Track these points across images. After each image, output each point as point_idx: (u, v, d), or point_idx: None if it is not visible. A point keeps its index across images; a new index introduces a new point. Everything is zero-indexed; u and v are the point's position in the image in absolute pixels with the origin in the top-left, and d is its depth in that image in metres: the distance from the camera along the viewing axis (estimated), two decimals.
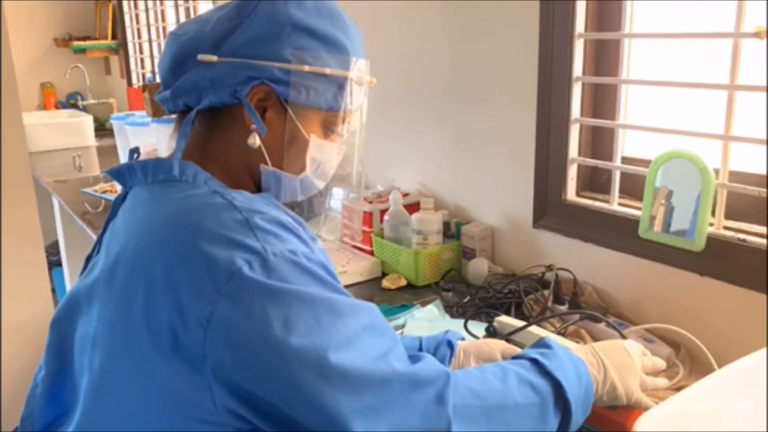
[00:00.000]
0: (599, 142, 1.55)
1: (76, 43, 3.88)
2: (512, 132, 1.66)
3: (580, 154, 1.55)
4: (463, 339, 1.08)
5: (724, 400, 0.87)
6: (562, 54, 1.49)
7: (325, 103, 0.83)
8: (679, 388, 1.14)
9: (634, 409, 0.99)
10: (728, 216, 1.29)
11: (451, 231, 1.82)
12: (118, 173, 0.85)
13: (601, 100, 1.52)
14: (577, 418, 0.83)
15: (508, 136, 1.68)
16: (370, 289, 1.72)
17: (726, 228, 1.29)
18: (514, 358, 0.85)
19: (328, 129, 0.86)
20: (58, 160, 3.17)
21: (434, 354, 1.02)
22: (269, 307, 0.67)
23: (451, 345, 1.03)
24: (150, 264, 0.71)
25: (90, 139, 3.51)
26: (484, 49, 1.70)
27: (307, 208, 0.92)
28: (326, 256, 0.80)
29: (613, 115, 1.47)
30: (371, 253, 1.86)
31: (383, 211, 1.86)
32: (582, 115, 1.52)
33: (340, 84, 0.84)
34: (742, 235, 1.25)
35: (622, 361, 0.89)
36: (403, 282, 1.72)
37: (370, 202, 1.91)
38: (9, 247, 2.07)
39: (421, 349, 1.03)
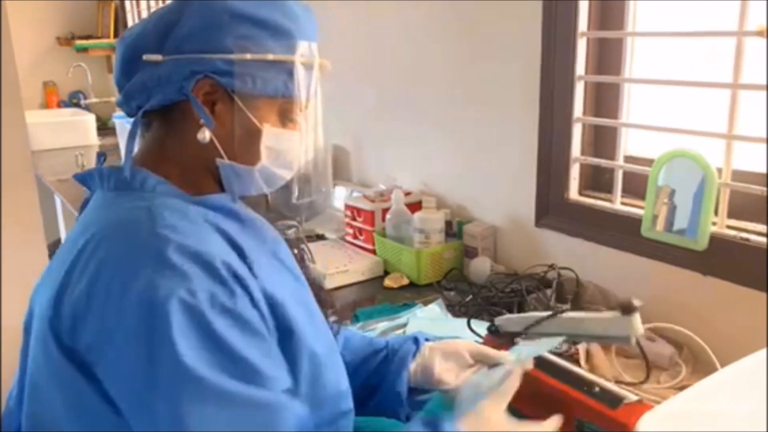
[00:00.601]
0: (602, 141, 1.54)
1: (78, 42, 3.88)
2: (515, 131, 1.66)
3: (582, 153, 1.54)
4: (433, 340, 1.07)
5: (726, 399, 0.87)
6: (565, 53, 1.49)
7: (275, 90, 0.81)
8: (681, 388, 1.14)
9: (636, 407, 0.99)
10: (731, 215, 1.29)
11: (453, 230, 1.82)
12: (82, 179, 0.85)
13: (604, 99, 1.52)
14: None
15: (511, 135, 1.67)
16: (372, 288, 1.72)
17: (729, 227, 1.29)
18: None
19: (285, 117, 0.85)
20: (60, 159, 3.16)
21: (398, 351, 1.02)
22: (140, 352, 0.67)
23: (417, 341, 1.02)
24: (66, 281, 0.72)
25: (92, 137, 3.51)
26: (487, 49, 1.70)
27: (308, 208, 0.92)
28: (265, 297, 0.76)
29: (615, 114, 1.47)
30: (373, 251, 1.86)
31: (385, 210, 1.86)
32: (584, 114, 1.52)
33: (288, 70, 0.82)
34: (744, 234, 1.25)
35: None
36: (405, 281, 1.72)
37: (372, 201, 1.91)
38: (11, 245, 2.08)
39: (387, 346, 1.03)
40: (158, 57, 0.79)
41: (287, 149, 0.85)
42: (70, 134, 3.41)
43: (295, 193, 0.94)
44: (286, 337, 0.79)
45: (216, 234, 0.76)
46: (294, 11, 0.83)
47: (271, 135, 0.82)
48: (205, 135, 0.79)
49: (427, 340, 1.05)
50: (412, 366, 1.00)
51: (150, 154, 0.84)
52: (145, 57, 0.79)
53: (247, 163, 0.83)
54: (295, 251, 0.97)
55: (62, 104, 4.03)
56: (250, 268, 0.77)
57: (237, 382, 0.68)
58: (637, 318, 1.01)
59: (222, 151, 0.81)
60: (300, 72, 0.82)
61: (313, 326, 0.85)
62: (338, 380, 0.88)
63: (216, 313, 0.69)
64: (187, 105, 0.80)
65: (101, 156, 0.81)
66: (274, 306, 0.78)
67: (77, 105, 4.01)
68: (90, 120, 3.55)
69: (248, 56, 0.79)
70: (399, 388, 0.98)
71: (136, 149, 0.84)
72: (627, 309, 1.01)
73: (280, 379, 0.73)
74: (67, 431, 0.73)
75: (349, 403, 0.90)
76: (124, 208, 0.76)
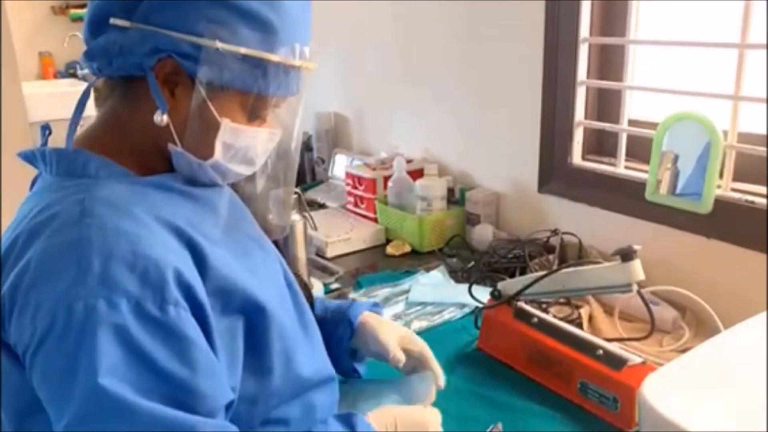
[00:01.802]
0: (606, 104, 1.52)
1: (73, 11, 3.81)
2: (517, 95, 1.63)
3: (586, 117, 1.53)
4: (378, 305, 1.07)
5: (729, 361, 0.86)
6: (569, 15, 1.46)
7: (243, 84, 0.74)
8: (684, 350, 1.14)
9: (640, 369, 0.99)
10: (737, 177, 1.28)
11: (455, 197, 1.81)
12: (27, 159, 0.81)
13: (608, 62, 1.49)
14: None
15: (513, 99, 1.65)
16: (374, 255, 1.72)
17: (734, 190, 1.27)
18: None
19: (253, 113, 0.78)
20: (58, 131, 3.12)
21: (334, 332, 1.00)
22: (58, 364, 0.63)
23: (350, 325, 1.01)
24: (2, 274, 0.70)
25: (90, 108, 3.46)
26: (489, 12, 1.67)
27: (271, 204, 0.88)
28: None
29: (620, 77, 1.45)
30: (375, 219, 1.85)
31: (387, 178, 1.85)
32: (588, 77, 1.50)
33: (263, 66, 0.74)
34: (749, 197, 1.24)
35: None
36: (407, 248, 1.72)
37: (374, 169, 1.89)
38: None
39: (325, 317, 1.02)
40: (125, 23, 0.73)
41: (249, 146, 0.79)
42: (68, 105, 3.34)
43: (254, 193, 0.90)
44: (256, 316, 0.77)
45: (160, 229, 0.71)
46: (283, 4, 0.75)
47: (229, 131, 0.76)
48: (162, 119, 0.73)
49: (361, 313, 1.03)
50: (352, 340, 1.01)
51: (103, 126, 0.80)
52: (111, 20, 0.73)
53: (200, 156, 0.76)
54: (268, 224, 0.94)
55: (59, 75, 3.98)
56: (203, 260, 0.72)
57: (156, 402, 0.63)
58: (637, 264, 1.00)
59: (176, 137, 0.75)
60: (276, 71, 0.75)
61: (280, 299, 0.83)
62: (310, 350, 0.86)
63: (141, 324, 0.64)
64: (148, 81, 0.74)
65: (45, 129, 0.74)
66: (232, 293, 0.74)
67: (74, 75, 3.96)
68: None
69: (218, 44, 0.71)
70: (342, 365, 0.99)
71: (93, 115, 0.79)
72: (626, 256, 1.01)
73: (215, 395, 0.68)
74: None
75: (326, 371, 0.89)
76: (58, 200, 0.71)
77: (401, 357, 0.97)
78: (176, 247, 0.71)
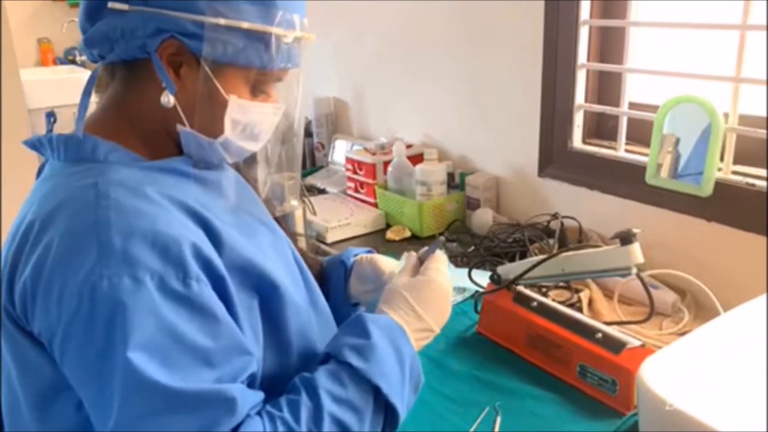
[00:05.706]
0: (606, 87, 1.51)
1: None
2: (517, 79, 1.62)
3: (586, 100, 1.52)
4: (372, 251, 1.08)
5: (728, 344, 0.87)
6: None
7: (247, 59, 0.75)
8: (683, 334, 1.14)
9: (638, 352, 0.99)
10: (737, 160, 1.27)
11: (455, 182, 1.80)
12: (33, 146, 0.81)
13: (609, 45, 1.48)
14: (403, 409, 0.77)
15: (513, 83, 1.64)
16: (374, 241, 1.72)
17: (734, 173, 1.27)
18: (329, 355, 0.76)
19: (256, 88, 0.79)
20: (58, 117, 3.13)
21: (330, 275, 1.01)
22: (87, 345, 0.64)
23: (344, 264, 1.02)
24: (15, 262, 0.70)
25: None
26: None
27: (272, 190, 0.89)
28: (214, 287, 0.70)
29: (620, 60, 1.43)
30: (375, 205, 1.85)
31: (386, 163, 1.84)
32: (589, 59, 1.49)
33: (264, 40, 0.75)
34: (750, 180, 1.24)
35: (439, 305, 0.84)
36: (407, 233, 1.72)
37: (373, 154, 1.89)
38: (10, 203, 2.08)
39: (323, 271, 1.02)
40: (124, 6, 0.73)
41: (256, 121, 0.79)
42: (67, 92, 3.33)
43: (261, 171, 0.90)
44: (271, 295, 0.77)
45: (174, 209, 0.71)
46: None
47: (237, 107, 0.76)
48: (169, 99, 0.74)
49: (356, 255, 1.04)
50: (347, 285, 1.02)
51: (107, 112, 0.80)
52: (110, 4, 0.73)
53: (209, 134, 0.77)
54: (273, 204, 0.94)
55: (58, 61, 3.96)
56: (217, 239, 0.73)
57: (183, 376, 0.64)
58: (636, 247, 1.00)
59: (184, 118, 0.76)
60: (278, 44, 0.76)
61: (292, 278, 0.84)
62: (322, 329, 0.87)
63: (166, 299, 0.65)
64: (152, 63, 0.74)
65: (50, 116, 0.74)
66: (247, 272, 0.75)
67: (73, 62, 3.95)
68: (87, 77, 3.50)
69: (221, 21, 0.72)
70: (336, 308, 0.98)
71: (95, 102, 0.79)
72: (626, 239, 1.00)
73: (241, 367, 0.69)
74: (25, 410, 0.73)
75: None
76: (70, 185, 0.71)
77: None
78: (191, 225, 0.72)
